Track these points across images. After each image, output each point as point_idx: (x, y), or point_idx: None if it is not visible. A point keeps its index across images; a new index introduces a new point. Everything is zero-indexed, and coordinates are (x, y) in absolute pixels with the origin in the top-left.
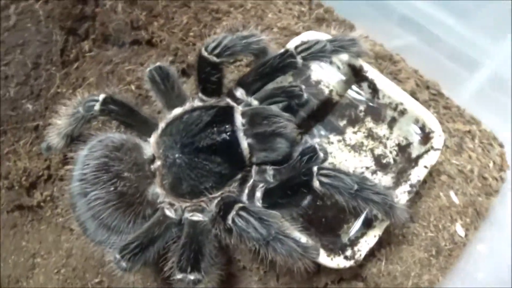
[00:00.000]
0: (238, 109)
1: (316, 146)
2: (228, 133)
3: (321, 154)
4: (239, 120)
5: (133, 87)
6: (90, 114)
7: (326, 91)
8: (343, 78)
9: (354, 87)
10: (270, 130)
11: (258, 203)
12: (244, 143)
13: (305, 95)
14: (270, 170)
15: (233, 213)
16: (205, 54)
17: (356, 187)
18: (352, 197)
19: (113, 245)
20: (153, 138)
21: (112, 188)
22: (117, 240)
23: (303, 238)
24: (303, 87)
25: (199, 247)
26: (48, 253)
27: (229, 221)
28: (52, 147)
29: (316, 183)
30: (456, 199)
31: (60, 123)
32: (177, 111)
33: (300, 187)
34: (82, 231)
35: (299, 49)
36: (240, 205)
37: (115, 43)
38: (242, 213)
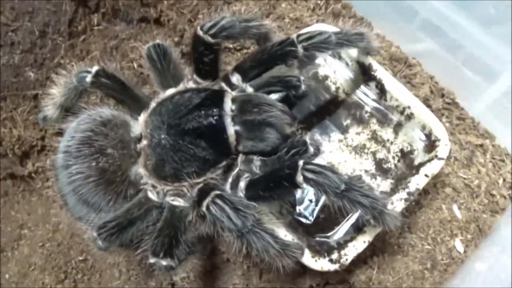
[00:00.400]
0: (229, 94)
1: (307, 140)
2: (214, 118)
3: (311, 149)
4: (228, 105)
5: (135, 64)
6: (81, 85)
7: (333, 88)
8: (352, 76)
9: (362, 86)
10: (260, 119)
11: (241, 194)
12: (231, 129)
13: (303, 87)
14: (257, 161)
15: (208, 199)
16: (200, 33)
17: (343, 186)
18: (338, 197)
19: (91, 222)
20: (142, 117)
21: (93, 164)
22: (96, 218)
23: (288, 236)
24: (302, 78)
25: (175, 233)
26: (36, 225)
27: (203, 208)
28: (47, 118)
29: (299, 178)
30: (459, 213)
31: (55, 93)
32: (170, 91)
33: (283, 181)
34: (63, 204)
35: (301, 38)
36: (217, 192)
37: (124, 18)
38: (218, 200)
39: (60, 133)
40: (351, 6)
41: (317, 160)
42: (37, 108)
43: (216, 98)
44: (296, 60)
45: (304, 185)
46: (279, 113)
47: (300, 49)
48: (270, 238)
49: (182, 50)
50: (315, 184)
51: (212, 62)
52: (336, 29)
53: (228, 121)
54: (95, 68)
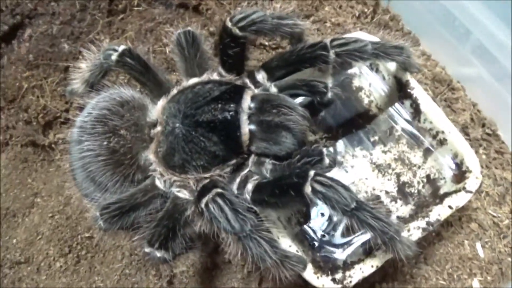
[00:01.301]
0: (250, 91)
1: (323, 150)
2: (230, 113)
3: (327, 161)
4: (246, 102)
5: (167, 49)
6: (106, 63)
7: (366, 101)
8: (387, 91)
9: (396, 104)
10: (277, 121)
11: (247, 196)
12: (245, 127)
13: (329, 94)
14: (268, 164)
15: (208, 196)
16: (228, 24)
17: (353, 205)
18: (347, 216)
19: (96, 201)
20: (161, 102)
21: (105, 143)
22: (101, 198)
23: (293, 247)
24: (330, 85)
25: (173, 225)
26: (49, 195)
27: (202, 204)
28: (73, 91)
29: (308, 189)
30: (482, 252)
31: (83, 67)
32: (193, 80)
33: (290, 189)
34: (72, 178)
35: (335, 43)
36: (218, 190)
37: (163, 2)
38: (218, 199)
39: (81, 108)
40: (400, 18)
41: (339, 173)
42: (66, 80)
43: (236, 93)
44: (330, 66)
45: (311, 197)
46: (299, 118)
47: (332, 54)
48: (268, 246)
49: (216, 41)
50: (323, 198)
51: (237, 56)
52: (376, 39)
53: (243, 118)
54: (122, 47)
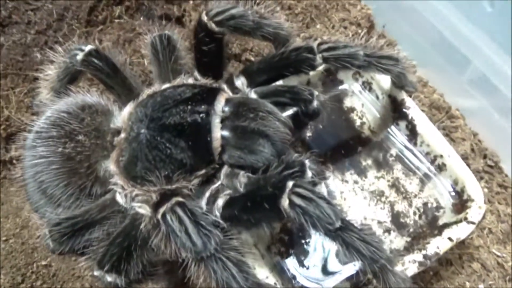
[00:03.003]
0: (225, 94)
1: (306, 162)
2: (201, 115)
3: (309, 174)
4: (220, 104)
5: (146, 61)
6: (71, 64)
7: (358, 122)
8: (381, 112)
9: (392, 126)
10: (254, 126)
11: (217, 213)
12: (217, 132)
13: (315, 103)
14: (243, 177)
15: (167, 206)
16: (204, 18)
17: (338, 224)
18: (330, 237)
19: (48, 218)
20: (128, 108)
21: (60, 148)
22: (53, 213)
23: (270, 279)
24: (316, 93)
25: (128, 244)
26: (6, 217)
27: (159, 215)
28: (41, 104)
29: (285, 202)
30: None
31: (49, 73)
32: (166, 85)
33: (265, 202)
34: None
35: (323, 46)
36: (179, 199)
37: (145, 14)
38: (178, 209)
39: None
40: (396, 43)
41: None
42: (34, 92)
43: (209, 95)
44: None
45: (289, 212)
46: (279, 125)
47: (319, 59)
48: (236, 271)
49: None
50: (302, 213)
51: (213, 56)
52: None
53: (216, 121)
54: (89, 47)
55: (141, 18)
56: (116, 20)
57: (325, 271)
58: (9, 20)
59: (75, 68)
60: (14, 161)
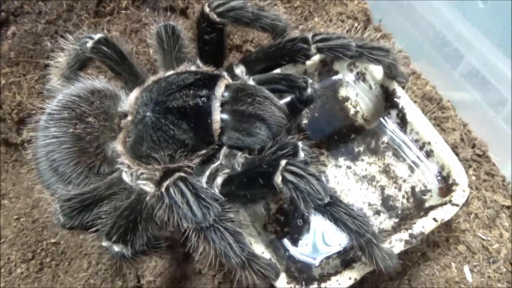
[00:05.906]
0: (225, 80)
1: (300, 144)
2: (202, 99)
3: (302, 154)
4: (220, 89)
5: (151, 50)
6: (81, 51)
7: (352, 111)
8: (374, 101)
9: (384, 115)
10: (251, 111)
11: (216, 190)
12: (217, 115)
13: (309, 90)
14: (240, 157)
15: (170, 180)
16: (206, 10)
17: (327, 199)
18: (320, 211)
19: (59, 194)
20: (134, 93)
21: (71, 129)
22: (64, 190)
23: (266, 254)
24: (310, 81)
25: (134, 217)
26: (17, 197)
27: (163, 188)
28: (52, 89)
29: (278, 179)
30: (470, 276)
31: (60, 60)
32: (170, 72)
33: (259, 178)
34: (35, 167)
35: (317, 37)
36: (181, 174)
37: (151, 5)
38: (180, 183)
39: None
40: (391, 37)
41: None
42: (46, 78)
43: (210, 80)
44: (317, 73)
45: (281, 187)
46: (275, 109)
47: (313, 49)
48: (233, 240)
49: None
50: (294, 188)
51: (215, 45)
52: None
53: (216, 105)
54: (98, 35)
55: (147, 10)
56: (123, 11)
57: (316, 248)
58: (20, 10)
59: (85, 55)
60: (26, 144)
